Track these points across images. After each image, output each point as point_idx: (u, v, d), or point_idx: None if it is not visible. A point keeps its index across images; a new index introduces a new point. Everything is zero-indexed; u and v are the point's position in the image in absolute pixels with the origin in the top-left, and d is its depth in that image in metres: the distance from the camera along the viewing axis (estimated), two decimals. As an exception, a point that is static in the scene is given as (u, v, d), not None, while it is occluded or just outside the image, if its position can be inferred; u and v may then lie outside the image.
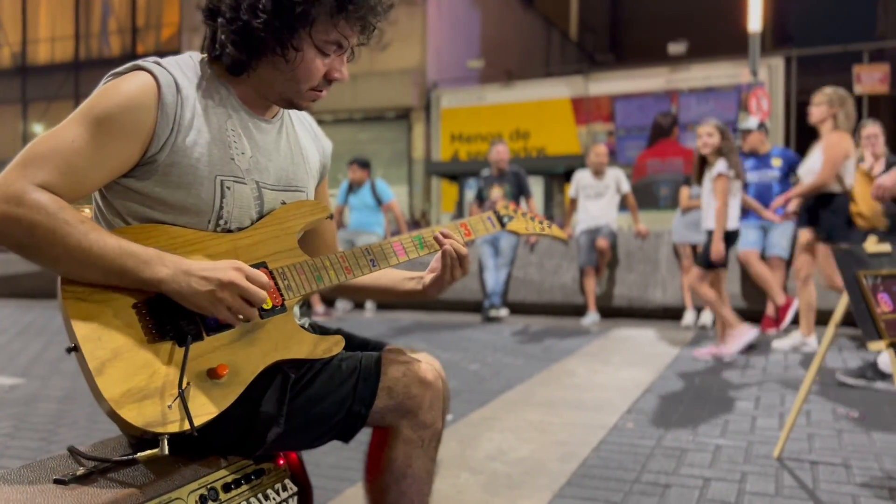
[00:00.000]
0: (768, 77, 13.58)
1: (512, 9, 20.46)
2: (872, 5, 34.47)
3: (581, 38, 27.17)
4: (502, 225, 1.74)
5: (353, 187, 7.70)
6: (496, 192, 7.11)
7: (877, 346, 2.34)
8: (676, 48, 16.34)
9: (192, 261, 1.24)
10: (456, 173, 16.12)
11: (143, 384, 1.17)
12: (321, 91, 1.39)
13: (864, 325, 2.38)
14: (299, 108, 1.43)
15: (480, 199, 7.32)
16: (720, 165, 4.94)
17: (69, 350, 1.18)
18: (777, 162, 6.27)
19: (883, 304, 2.41)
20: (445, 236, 1.54)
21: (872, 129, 5.66)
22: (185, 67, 1.34)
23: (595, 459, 2.82)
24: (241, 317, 1.26)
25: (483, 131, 15.90)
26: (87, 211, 1.38)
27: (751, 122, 6.56)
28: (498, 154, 7.21)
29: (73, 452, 1.28)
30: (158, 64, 1.30)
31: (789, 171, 6.21)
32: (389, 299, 1.65)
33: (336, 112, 16.20)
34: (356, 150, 13.56)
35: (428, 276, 1.58)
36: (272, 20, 1.27)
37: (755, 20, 10.27)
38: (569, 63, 22.96)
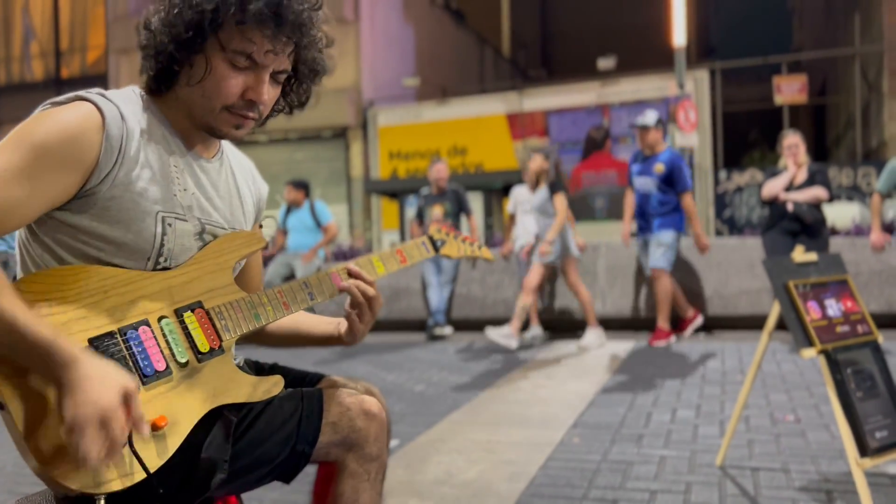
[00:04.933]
0: (694, 89, 14.01)
1: (445, 26, 20.63)
2: (788, 19, 36.09)
3: (513, 54, 27.59)
4: (436, 249, 1.74)
5: (291, 209, 7.60)
6: (437, 211, 7.12)
7: (809, 353, 2.41)
8: (606, 63, 16.75)
9: (85, 367, 1.08)
10: (396, 191, 16.09)
11: None
12: (242, 115, 1.31)
13: (795, 332, 2.45)
14: (221, 135, 1.35)
15: (420, 217, 7.31)
16: None
17: None
18: (659, 168, 6.03)
19: (812, 311, 2.49)
20: (353, 275, 1.46)
21: (793, 139, 5.89)
22: (128, 100, 1.29)
23: (543, 478, 2.82)
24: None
25: (421, 148, 15.94)
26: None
27: (648, 116, 6.15)
28: (438, 173, 7.22)
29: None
30: (102, 95, 1.24)
31: (669, 179, 5.98)
32: (308, 345, 1.56)
33: (271, 132, 15.99)
34: (293, 171, 13.41)
35: (344, 325, 1.52)
36: (177, 29, 1.24)
37: (680, 35, 10.60)
38: (502, 79, 23.30)
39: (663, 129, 6.20)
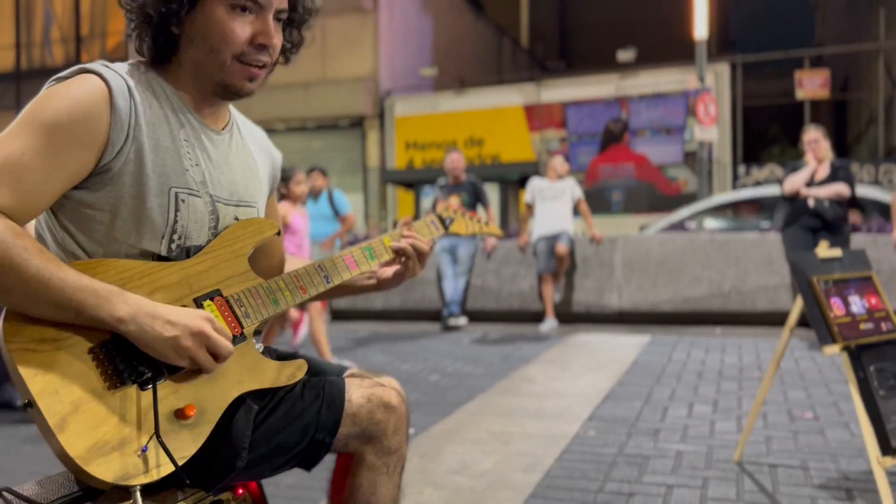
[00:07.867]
0: (714, 83, 13.87)
1: (463, 16, 20.55)
2: (810, 13, 35.64)
3: (532, 45, 27.44)
4: (445, 227, 1.74)
5: (309, 196, 7.60)
6: (453, 202, 7.10)
7: (831, 349, 2.38)
8: (625, 55, 16.59)
9: (158, 303, 1.16)
10: (412, 181, 16.09)
11: (109, 436, 1.09)
12: (254, 65, 1.27)
13: (818, 329, 2.42)
14: (235, 91, 1.29)
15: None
16: None
17: (24, 406, 1.09)
18: None
19: (835, 308, 2.45)
20: (407, 236, 1.58)
21: (813, 135, 5.82)
22: (134, 73, 1.25)
23: (558, 470, 2.81)
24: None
25: (438, 139, 15.91)
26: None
27: None
28: (453, 163, 7.19)
29: (10, 493, 1.20)
30: (108, 67, 1.21)
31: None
32: (345, 295, 1.64)
33: (288, 120, 16.04)
34: (310, 159, 13.42)
35: (389, 271, 1.58)
36: None
37: (701, 27, 10.50)
38: (520, 70, 23.17)
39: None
